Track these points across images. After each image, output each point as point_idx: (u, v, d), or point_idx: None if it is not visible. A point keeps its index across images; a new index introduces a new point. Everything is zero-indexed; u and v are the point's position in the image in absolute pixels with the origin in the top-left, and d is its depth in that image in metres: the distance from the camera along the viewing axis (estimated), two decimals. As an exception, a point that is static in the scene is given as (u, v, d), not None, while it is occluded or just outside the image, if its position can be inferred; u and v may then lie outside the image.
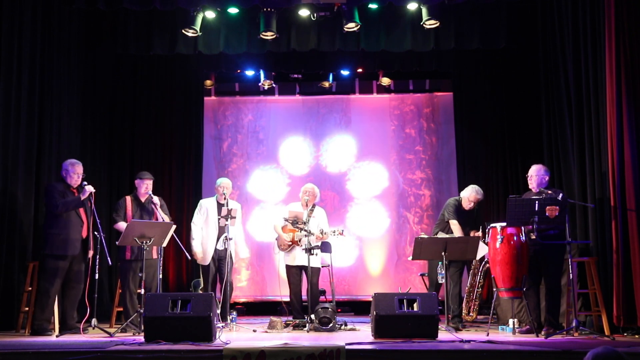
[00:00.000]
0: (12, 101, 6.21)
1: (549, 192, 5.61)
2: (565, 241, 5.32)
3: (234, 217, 6.36)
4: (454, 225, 6.39)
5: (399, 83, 9.36)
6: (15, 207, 6.19)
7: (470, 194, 6.44)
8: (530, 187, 5.88)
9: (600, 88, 5.85)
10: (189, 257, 6.83)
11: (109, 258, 5.69)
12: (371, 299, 5.30)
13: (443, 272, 6.08)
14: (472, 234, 6.37)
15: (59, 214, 5.74)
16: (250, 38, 7.37)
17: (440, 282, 6.46)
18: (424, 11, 6.93)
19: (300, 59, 8.27)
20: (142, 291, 5.64)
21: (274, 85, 9.05)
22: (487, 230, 5.86)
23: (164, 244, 5.98)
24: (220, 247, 6.50)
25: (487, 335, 5.32)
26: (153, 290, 5.97)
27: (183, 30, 7.09)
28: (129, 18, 7.39)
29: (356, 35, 7.32)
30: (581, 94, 6.24)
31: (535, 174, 5.81)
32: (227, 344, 4.56)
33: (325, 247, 6.60)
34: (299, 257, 6.47)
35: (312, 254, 6.09)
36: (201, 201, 6.89)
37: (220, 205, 6.54)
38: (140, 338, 4.99)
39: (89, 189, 5.76)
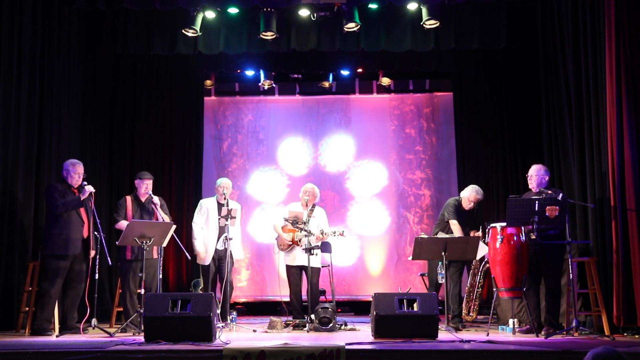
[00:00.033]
0: (12, 101, 6.22)
1: (549, 192, 5.61)
2: (565, 241, 5.32)
3: (234, 217, 6.37)
4: (454, 225, 6.39)
5: (399, 83, 9.35)
6: (15, 207, 6.19)
7: (470, 194, 6.44)
8: (530, 187, 5.88)
9: (600, 88, 5.85)
10: (189, 257, 6.84)
11: (109, 258, 5.70)
12: (371, 299, 5.30)
13: (443, 272, 6.08)
14: (472, 234, 6.37)
15: (59, 214, 5.74)
16: (250, 38, 7.37)
17: (440, 282, 6.46)
18: (424, 11, 6.92)
19: (300, 59, 8.27)
20: (142, 291, 5.64)
21: (274, 85, 9.04)
22: (487, 230, 5.86)
23: (164, 244, 5.98)
24: (220, 247, 6.51)
25: (487, 335, 5.32)
26: (153, 290, 5.97)
27: (183, 30, 7.09)
28: (129, 18, 7.39)
29: (356, 35, 7.32)
30: (581, 94, 6.24)
31: (535, 174, 5.81)
32: (227, 344, 4.56)
33: (325, 247, 6.60)
34: (299, 257, 6.46)
35: (312, 254, 6.09)
36: (201, 201, 6.89)
37: (220, 205, 6.54)
38: (140, 338, 4.99)
39: (89, 189, 5.76)
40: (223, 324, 5.75)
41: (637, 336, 5.35)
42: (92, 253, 5.86)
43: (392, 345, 4.55)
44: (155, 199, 6.24)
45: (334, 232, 6.39)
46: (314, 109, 9.47)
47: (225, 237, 6.27)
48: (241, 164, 9.34)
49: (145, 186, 6.26)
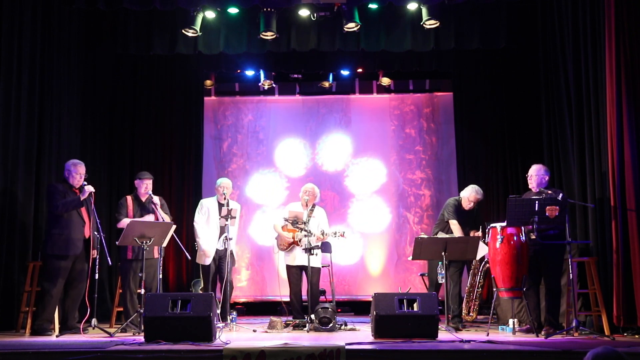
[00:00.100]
0: (12, 101, 6.22)
1: (549, 192, 5.61)
2: (565, 241, 5.32)
3: (234, 217, 6.37)
4: (454, 225, 6.39)
5: (399, 83, 9.35)
6: (15, 207, 6.20)
7: (470, 194, 6.44)
8: (530, 187, 5.88)
9: (600, 88, 5.85)
10: (189, 257, 6.84)
11: (109, 258, 5.71)
12: (371, 299, 5.30)
13: (443, 272, 6.08)
14: (472, 234, 6.37)
15: (59, 214, 5.74)
16: (250, 38, 7.37)
17: (440, 282, 6.46)
18: (424, 11, 6.92)
19: (300, 59, 8.27)
20: (142, 291, 5.64)
21: (274, 85, 9.04)
22: (487, 230, 5.86)
23: (164, 244, 5.98)
24: (220, 247, 6.51)
25: (487, 335, 5.32)
26: (154, 290, 5.97)
27: (183, 30, 7.09)
28: (129, 18, 7.39)
29: (356, 35, 7.32)
30: (581, 94, 6.24)
31: (535, 174, 5.81)
32: (227, 344, 4.56)
33: (325, 247, 6.60)
34: (299, 257, 6.46)
35: (312, 254, 6.09)
36: (202, 201, 6.90)
37: (220, 205, 6.54)
38: (140, 338, 4.99)
39: (89, 189, 5.76)
40: (223, 324, 5.75)
41: (637, 336, 5.35)
42: (94, 253, 5.85)
43: (392, 345, 4.55)
44: (155, 198, 6.24)
45: (335, 233, 6.38)
46: (314, 109, 9.47)
47: (225, 237, 6.27)
48: (241, 164, 9.34)
49: (145, 186, 6.26)
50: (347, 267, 9.05)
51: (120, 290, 6.32)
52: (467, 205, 6.47)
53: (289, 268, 6.59)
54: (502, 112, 8.45)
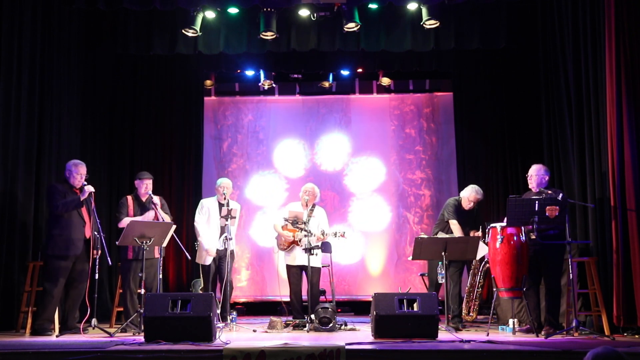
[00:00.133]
0: (12, 101, 6.22)
1: (549, 192, 5.61)
2: (565, 241, 5.32)
3: (234, 217, 6.37)
4: (454, 225, 6.39)
5: (399, 83, 9.35)
6: (15, 207, 6.20)
7: (470, 194, 6.44)
8: (530, 187, 5.88)
9: (600, 88, 5.85)
10: (189, 257, 6.84)
11: (109, 258, 5.71)
12: (371, 299, 5.30)
13: (443, 272, 6.08)
14: (472, 234, 6.37)
15: (60, 215, 5.75)
16: (250, 38, 7.37)
17: (440, 282, 6.46)
18: (424, 11, 6.92)
19: (300, 59, 8.27)
20: (142, 291, 5.64)
21: (274, 85, 9.04)
22: (487, 230, 5.85)
23: (164, 244, 5.98)
24: (220, 246, 6.51)
25: (487, 335, 5.32)
26: (154, 290, 5.97)
27: (183, 30, 7.09)
28: (129, 18, 7.39)
29: (356, 35, 7.32)
30: (581, 94, 6.24)
31: (535, 174, 5.81)
32: (227, 344, 4.56)
33: (325, 247, 6.59)
34: (299, 257, 6.46)
35: (312, 254, 6.09)
36: (202, 201, 6.90)
37: (220, 205, 6.54)
38: (140, 338, 4.99)
39: (88, 189, 5.77)
40: (223, 324, 5.75)
41: (637, 336, 5.35)
42: (97, 253, 5.85)
43: (392, 345, 4.55)
44: (155, 199, 6.24)
45: (335, 233, 6.38)
46: (314, 109, 9.47)
47: (225, 237, 6.27)
48: (241, 164, 9.34)
49: (145, 186, 6.26)
50: (348, 267, 9.06)
51: (121, 290, 6.32)
52: (467, 205, 6.47)
53: (289, 268, 6.59)
54: (502, 112, 8.45)
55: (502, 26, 7.36)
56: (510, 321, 5.70)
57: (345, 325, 6.07)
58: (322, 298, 6.95)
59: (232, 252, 6.52)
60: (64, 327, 5.77)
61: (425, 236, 6.33)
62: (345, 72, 8.87)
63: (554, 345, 4.57)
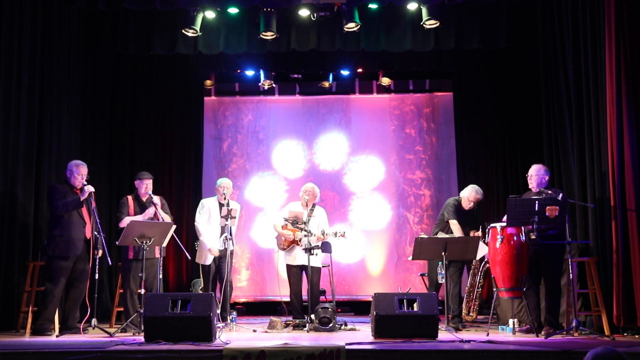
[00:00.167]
0: (12, 101, 6.22)
1: (549, 192, 5.61)
2: (565, 241, 5.32)
3: (234, 217, 6.37)
4: (454, 225, 6.39)
5: (399, 83, 9.36)
6: (15, 207, 6.20)
7: (470, 194, 6.44)
8: (530, 187, 5.88)
9: (600, 88, 5.85)
10: (189, 257, 6.85)
11: (109, 258, 5.71)
12: (371, 299, 5.30)
13: (443, 272, 6.08)
14: (472, 234, 6.37)
15: (60, 215, 5.76)
16: (250, 38, 7.37)
17: (440, 282, 6.46)
18: (424, 11, 6.92)
19: (300, 59, 8.27)
20: (142, 291, 5.64)
21: (274, 85, 9.04)
22: (487, 230, 5.85)
23: (164, 244, 5.98)
24: (220, 246, 6.51)
25: (487, 335, 5.32)
26: (154, 290, 5.98)
27: (183, 30, 7.09)
28: (129, 18, 7.39)
29: (356, 35, 7.32)
30: (581, 94, 6.24)
31: (535, 174, 5.81)
32: (227, 344, 4.56)
33: (325, 247, 6.59)
34: (299, 257, 6.46)
35: (312, 254, 6.09)
36: (202, 201, 6.90)
37: (221, 205, 6.55)
38: (140, 338, 4.99)
39: (88, 189, 5.77)
40: (223, 324, 5.75)
41: (637, 336, 5.35)
42: (98, 253, 5.85)
43: (392, 345, 4.55)
44: (156, 199, 6.24)
45: (335, 233, 6.39)
46: (314, 109, 9.47)
47: (225, 237, 6.27)
48: (241, 164, 9.34)
49: (145, 186, 6.26)
50: (348, 267, 9.06)
51: (121, 290, 6.32)
52: (467, 205, 6.47)
53: (289, 268, 6.59)
54: (502, 112, 8.45)
55: (502, 26, 7.36)
56: (510, 321, 5.70)
57: (345, 325, 6.07)
58: (322, 298, 6.95)
59: (231, 252, 6.52)
60: (64, 327, 5.78)
61: (425, 236, 6.33)
62: (345, 72, 8.87)
63: (554, 345, 4.57)
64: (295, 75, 9.03)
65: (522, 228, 5.56)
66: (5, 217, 6.09)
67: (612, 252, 5.48)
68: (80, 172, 5.88)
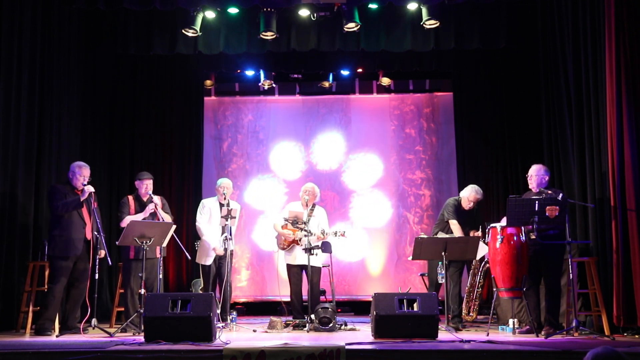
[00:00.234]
0: (12, 101, 6.22)
1: (549, 192, 5.61)
2: (565, 241, 5.32)
3: (234, 217, 6.37)
4: (454, 225, 6.39)
5: (399, 83, 9.36)
6: (15, 207, 6.20)
7: (469, 194, 6.44)
8: (530, 187, 5.88)
9: (600, 88, 5.85)
10: (189, 257, 6.84)
11: (109, 258, 5.72)
12: (371, 299, 5.30)
13: (443, 272, 6.08)
14: (472, 234, 6.37)
15: (60, 215, 5.76)
16: (250, 38, 7.37)
17: (440, 282, 6.46)
18: (424, 11, 6.92)
19: (300, 59, 8.27)
20: (143, 291, 5.64)
21: (274, 85, 9.04)
22: (487, 230, 5.85)
23: (164, 244, 5.98)
24: (220, 246, 6.50)
25: (487, 335, 5.32)
26: (155, 290, 5.98)
27: (183, 30, 7.09)
28: (129, 18, 7.39)
29: (356, 35, 7.32)
30: (581, 94, 6.24)
31: (535, 174, 5.81)
32: (227, 344, 4.56)
33: (325, 247, 6.60)
34: (299, 257, 6.46)
35: (312, 254, 6.09)
36: (203, 201, 6.90)
37: (221, 206, 6.55)
38: (140, 338, 4.99)
39: (88, 189, 5.78)
40: (223, 324, 5.74)
41: (637, 336, 5.35)
42: (102, 253, 5.85)
43: (392, 345, 4.55)
44: (156, 199, 6.24)
45: (335, 232, 6.39)
46: (314, 109, 9.47)
47: (226, 237, 6.27)
48: (241, 164, 9.34)
49: (145, 186, 6.26)
50: (348, 266, 9.05)
51: (121, 290, 6.33)
52: (467, 205, 6.47)
53: (289, 267, 6.59)
54: (502, 112, 8.45)
55: (502, 26, 7.36)
56: (510, 321, 5.70)
57: (345, 325, 6.07)
58: (322, 298, 6.95)
59: (231, 252, 6.52)
60: (64, 327, 5.78)
61: (425, 236, 6.33)
62: (345, 72, 8.87)
63: (554, 345, 4.57)
64: (295, 75, 9.03)
65: (522, 228, 5.56)
66: (6, 217, 6.09)
67: (612, 252, 5.48)
68: (82, 174, 5.89)
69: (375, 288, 8.09)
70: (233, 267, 6.87)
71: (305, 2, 6.89)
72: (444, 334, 5.25)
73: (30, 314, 5.86)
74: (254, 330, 5.96)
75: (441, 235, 6.44)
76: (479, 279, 6.47)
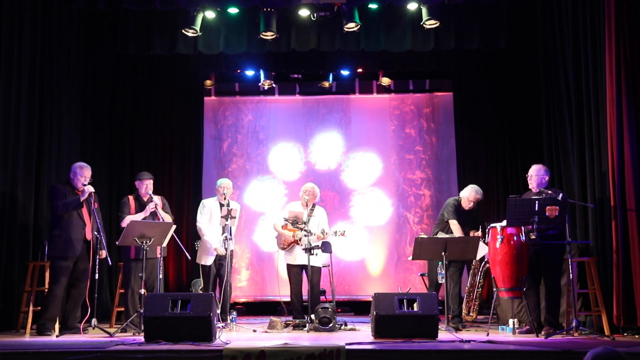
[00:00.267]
0: (12, 101, 6.22)
1: (549, 192, 5.61)
2: (565, 241, 5.32)
3: (234, 217, 6.37)
4: (454, 225, 6.39)
5: (399, 83, 9.36)
6: (15, 207, 6.20)
7: (469, 194, 6.44)
8: (530, 187, 5.88)
9: (600, 88, 5.85)
10: (189, 257, 6.84)
11: (109, 258, 5.72)
12: (371, 299, 5.30)
13: (443, 272, 6.08)
14: (471, 234, 6.37)
15: (60, 215, 5.76)
16: (250, 38, 7.37)
17: (440, 282, 6.46)
18: (424, 11, 6.93)
19: (300, 59, 8.27)
20: (143, 291, 5.64)
21: (274, 85, 9.04)
22: (487, 230, 5.85)
23: (164, 244, 5.98)
24: (221, 246, 6.50)
25: (487, 335, 5.32)
26: (155, 290, 5.98)
27: (183, 30, 7.09)
28: (129, 18, 7.39)
29: (356, 35, 7.32)
30: (581, 94, 6.24)
31: (535, 174, 5.81)
32: (227, 344, 4.56)
33: (325, 247, 6.59)
34: (299, 256, 6.46)
35: (312, 254, 6.09)
36: (203, 201, 6.90)
37: (221, 206, 6.55)
38: (140, 338, 4.99)
39: (88, 189, 5.78)
40: (223, 324, 5.74)
41: (637, 336, 5.35)
42: (103, 254, 5.84)
43: (392, 345, 4.55)
44: (156, 199, 6.24)
45: (335, 232, 6.39)
46: (314, 109, 9.47)
47: (226, 237, 6.27)
48: (241, 164, 9.34)
49: (145, 186, 6.26)
50: (349, 266, 9.05)
51: (121, 290, 6.33)
52: (466, 205, 6.47)
53: (289, 267, 6.59)
54: (502, 112, 8.45)
55: (502, 26, 7.36)
56: (510, 321, 5.70)
57: (345, 325, 6.07)
58: (322, 298, 6.95)
59: (232, 252, 6.52)
60: (64, 327, 5.78)
61: (425, 236, 6.33)
62: (345, 72, 8.87)
63: (554, 345, 4.57)
64: (295, 75, 9.03)
65: (522, 228, 5.56)
66: (6, 217, 6.09)
67: (612, 252, 5.48)
68: (83, 174, 5.89)
69: (375, 288, 8.09)
70: (233, 267, 6.87)
71: (305, 2, 6.89)
72: (444, 334, 5.25)
73: (30, 314, 5.86)
74: (254, 330, 5.96)
75: (441, 235, 6.44)
76: (479, 279, 6.47)
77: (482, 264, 6.43)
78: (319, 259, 6.45)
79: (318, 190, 6.73)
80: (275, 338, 5.09)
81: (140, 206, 6.24)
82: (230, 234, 6.28)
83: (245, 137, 9.39)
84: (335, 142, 9.37)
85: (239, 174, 9.26)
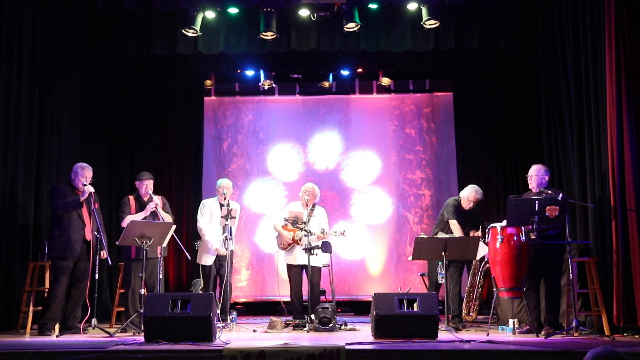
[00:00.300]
0: (12, 101, 6.22)
1: (549, 192, 5.61)
2: (565, 241, 5.32)
3: (234, 217, 6.37)
4: (454, 225, 6.39)
5: (399, 83, 9.36)
6: (15, 207, 6.20)
7: (469, 194, 6.44)
8: (530, 187, 5.88)
9: (600, 88, 5.85)
10: (189, 257, 6.84)
11: (109, 258, 5.72)
12: (371, 299, 5.30)
13: (443, 272, 6.08)
14: (471, 234, 6.37)
15: (60, 215, 5.76)
16: (250, 38, 7.37)
17: (440, 282, 6.46)
18: (424, 11, 6.93)
19: (300, 59, 8.27)
20: (143, 291, 5.64)
21: (274, 85, 9.04)
22: (487, 230, 5.85)
23: (164, 244, 5.98)
24: (221, 246, 6.50)
25: (487, 335, 5.32)
26: (156, 290, 5.98)
27: (183, 30, 7.10)
28: (129, 18, 7.39)
29: (356, 35, 7.32)
30: (581, 94, 6.24)
31: (535, 174, 5.81)
32: (227, 344, 4.56)
33: (325, 247, 6.59)
34: (300, 256, 6.46)
35: (312, 254, 6.09)
36: (204, 201, 6.90)
37: (221, 206, 6.55)
38: (140, 338, 4.99)
39: (88, 189, 5.78)
40: (223, 324, 5.74)
41: (637, 336, 5.35)
42: (103, 254, 5.84)
43: (392, 345, 4.55)
44: (156, 198, 6.24)
45: (335, 232, 6.39)
46: (314, 109, 9.47)
47: (226, 237, 6.27)
48: (241, 164, 9.34)
49: (146, 186, 6.26)
50: (349, 265, 9.05)
51: (121, 290, 6.32)
52: (466, 205, 6.47)
53: (289, 267, 6.59)
54: (502, 112, 8.45)
55: (502, 26, 7.36)
56: (510, 321, 5.70)
57: (345, 325, 6.07)
58: (322, 298, 6.95)
59: (231, 252, 6.52)
60: (64, 327, 5.78)
61: (425, 236, 6.33)
62: (345, 72, 8.87)
63: (554, 345, 4.57)
64: (295, 75, 9.03)
65: (522, 228, 5.56)
66: (6, 217, 6.09)
67: (612, 252, 5.48)
68: (84, 175, 5.89)
69: (375, 288, 8.10)
70: (233, 267, 6.87)
71: (305, 2, 6.89)
72: (444, 334, 5.25)
73: (30, 314, 5.86)
74: (254, 330, 5.97)
75: (441, 235, 6.44)
76: (479, 279, 6.47)
77: (482, 264, 6.43)
78: (319, 259, 6.44)
79: (318, 190, 6.73)
80: (275, 338, 5.09)
81: (141, 206, 6.25)
82: (231, 234, 6.28)
83: (245, 137, 9.40)
84: (335, 142, 9.38)
85: (239, 174, 9.26)
